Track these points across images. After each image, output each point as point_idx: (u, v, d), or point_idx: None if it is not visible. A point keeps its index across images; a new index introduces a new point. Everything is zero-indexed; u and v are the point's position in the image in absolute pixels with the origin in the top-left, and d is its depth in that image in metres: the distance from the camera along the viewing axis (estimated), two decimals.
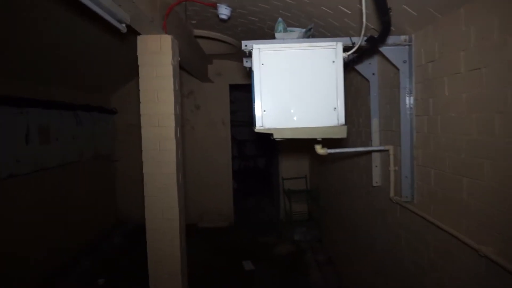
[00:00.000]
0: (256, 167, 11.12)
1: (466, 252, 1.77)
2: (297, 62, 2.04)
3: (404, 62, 2.27)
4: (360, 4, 1.78)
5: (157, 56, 2.97)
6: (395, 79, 2.48)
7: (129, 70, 5.12)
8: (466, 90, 1.73)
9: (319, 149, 2.52)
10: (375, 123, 2.88)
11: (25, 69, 3.75)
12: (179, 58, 3.21)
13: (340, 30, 2.78)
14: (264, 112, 2.04)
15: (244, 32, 4.18)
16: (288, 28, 2.35)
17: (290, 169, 6.46)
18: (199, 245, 5.31)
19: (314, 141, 2.39)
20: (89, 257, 4.93)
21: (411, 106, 2.27)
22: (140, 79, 2.99)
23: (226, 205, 6.58)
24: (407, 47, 2.26)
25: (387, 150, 2.60)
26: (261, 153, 10.97)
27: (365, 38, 2.07)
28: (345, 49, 2.06)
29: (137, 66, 2.97)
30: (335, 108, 2.03)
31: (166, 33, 2.95)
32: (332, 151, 2.55)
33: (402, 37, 2.23)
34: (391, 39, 2.21)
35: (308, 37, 2.30)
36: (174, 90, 3.01)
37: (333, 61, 2.02)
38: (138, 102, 2.99)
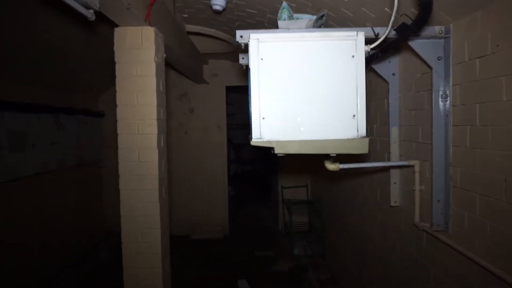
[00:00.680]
0: (254, 171, 10.69)
1: None
2: (306, 57, 1.59)
3: (439, 59, 1.82)
4: None
5: (138, 52, 2.51)
6: (424, 80, 2.03)
7: None
8: None
9: (330, 165, 2.08)
10: (394, 132, 2.43)
11: None
12: (164, 55, 2.76)
13: (355, 23, 2.34)
14: (263, 120, 1.59)
15: (242, 27, 3.74)
16: (295, 15, 1.90)
17: (290, 177, 6.01)
18: (191, 258, 4.84)
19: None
20: (71, 275, 4.45)
21: (447, 113, 1.82)
22: (117, 79, 2.53)
23: (221, 215, 6.11)
24: (442, 40, 1.81)
25: (412, 166, 2.14)
26: (259, 157, 10.55)
27: (394, 28, 1.62)
28: (366, 43, 1.62)
29: None
30: (354, 116, 1.59)
31: (150, 25, 2.50)
32: (346, 166, 2.10)
33: (437, 28, 1.78)
34: (424, 30, 1.77)
35: (319, 26, 1.85)
36: (158, 91, 2.55)
37: (353, 56, 1.58)
38: None
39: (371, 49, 1.63)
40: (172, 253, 2.89)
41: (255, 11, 3.15)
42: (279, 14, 1.90)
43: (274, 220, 6.52)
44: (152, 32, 2.51)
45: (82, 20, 2.61)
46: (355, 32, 1.57)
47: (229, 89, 6.09)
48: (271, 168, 7.09)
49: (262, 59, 1.59)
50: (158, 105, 2.56)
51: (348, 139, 1.59)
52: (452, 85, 1.79)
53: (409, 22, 1.57)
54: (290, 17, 1.89)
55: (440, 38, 1.81)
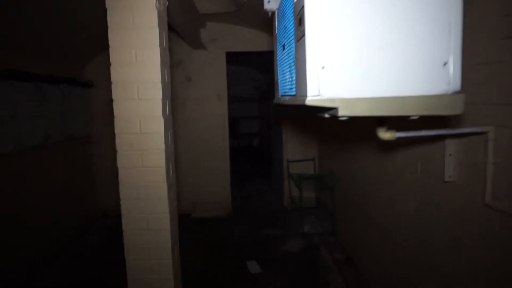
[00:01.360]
0: (249, 146, 10.34)
1: None
2: None
3: None
4: None
5: None
6: (501, 24, 1.60)
7: (106, 33, 4.04)
8: None
9: (383, 133, 1.66)
10: None
11: None
12: (167, 2, 2.25)
13: None
14: (322, 71, 1.14)
15: None
16: None
17: (296, 150, 5.63)
18: (193, 240, 4.49)
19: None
20: (57, 263, 4.05)
21: None
22: (109, 31, 2.04)
23: (223, 192, 5.73)
24: None
25: (485, 133, 1.74)
26: (256, 132, 10.15)
27: None
28: None
29: None
30: (445, 64, 1.16)
31: None
32: (403, 134, 1.70)
33: None
34: None
35: None
36: (161, 46, 2.07)
37: None
38: None
39: None
40: None
41: None
42: None
43: (278, 197, 6.19)
44: None
45: None
46: None
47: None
48: (275, 142, 6.69)
49: None
50: (162, 64, 2.08)
51: (436, 95, 1.17)
52: None
53: None
54: None
55: None
